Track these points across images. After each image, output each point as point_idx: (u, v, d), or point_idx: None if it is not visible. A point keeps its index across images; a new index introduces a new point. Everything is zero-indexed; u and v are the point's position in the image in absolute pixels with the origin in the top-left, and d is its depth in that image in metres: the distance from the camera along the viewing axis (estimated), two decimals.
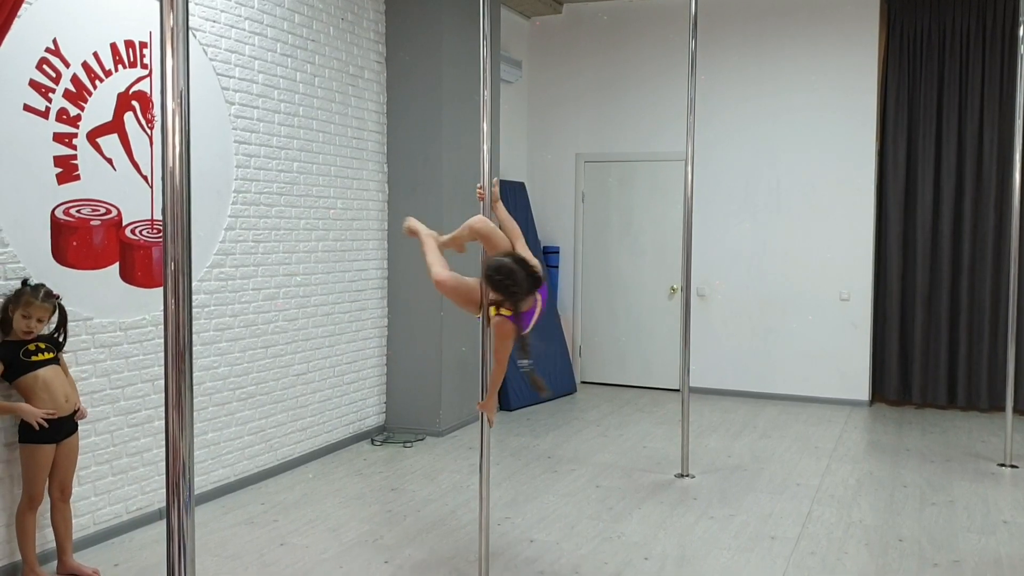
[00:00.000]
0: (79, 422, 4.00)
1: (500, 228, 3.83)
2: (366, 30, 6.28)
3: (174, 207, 1.81)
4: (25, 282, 3.81)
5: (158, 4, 1.78)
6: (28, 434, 3.76)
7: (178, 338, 1.83)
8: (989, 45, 7.33)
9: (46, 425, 3.75)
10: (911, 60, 7.56)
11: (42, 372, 3.78)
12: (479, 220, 3.77)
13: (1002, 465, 5.85)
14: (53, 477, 3.86)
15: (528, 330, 3.70)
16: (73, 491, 4.12)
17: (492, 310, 3.65)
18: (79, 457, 4.16)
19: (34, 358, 3.77)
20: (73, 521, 4.07)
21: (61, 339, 3.94)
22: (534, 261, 3.67)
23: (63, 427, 3.84)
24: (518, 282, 3.52)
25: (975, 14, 7.34)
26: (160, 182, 4.53)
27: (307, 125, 5.69)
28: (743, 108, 7.99)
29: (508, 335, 3.61)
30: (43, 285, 3.85)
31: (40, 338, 3.83)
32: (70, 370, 4.03)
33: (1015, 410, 5.99)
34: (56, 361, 3.88)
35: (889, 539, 4.51)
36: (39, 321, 3.78)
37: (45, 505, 3.91)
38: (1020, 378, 7.08)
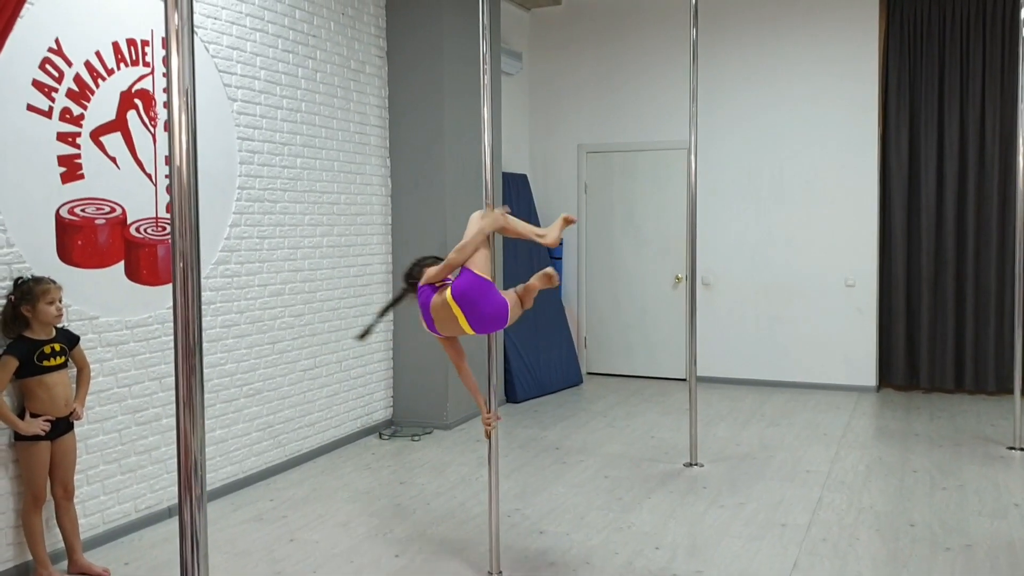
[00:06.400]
0: (78, 423, 4.01)
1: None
2: (367, 25, 6.26)
3: (182, 205, 1.80)
4: (21, 279, 3.80)
5: (162, 3, 1.77)
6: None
7: (188, 335, 1.83)
8: (989, 29, 7.29)
9: (47, 428, 3.77)
10: (912, 45, 7.53)
11: (48, 377, 3.81)
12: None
13: (1011, 448, 5.84)
14: (54, 476, 3.87)
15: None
16: (82, 490, 4.14)
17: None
18: (87, 456, 4.19)
19: (46, 363, 3.79)
20: (82, 520, 4.10)
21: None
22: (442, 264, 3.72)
23: (58, 425, 3.86)
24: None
25: None
26: (165, 180, 4.55)
27: (310, 121, 5.68)
28: (745, 96, 7.97)
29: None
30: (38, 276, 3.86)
31: (58, 338, 3.85)
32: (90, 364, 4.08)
33: (1023, 393, 5.97)
34: (65, 365, 3.89)
35: (900, 524, 4.51)
36: (61, 301, 3.83)
37: (52, 505, 3.92)
38: None
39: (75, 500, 4.00)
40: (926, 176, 7.53)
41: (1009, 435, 6.03)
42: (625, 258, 8.53)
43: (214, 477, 4.98)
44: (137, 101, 4.43)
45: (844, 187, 7.71)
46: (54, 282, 3.84)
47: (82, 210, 4.16)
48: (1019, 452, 5.78)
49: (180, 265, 1.81)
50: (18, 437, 3.80)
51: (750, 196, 8.01)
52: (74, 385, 4.00)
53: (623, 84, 8.41)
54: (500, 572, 3.91)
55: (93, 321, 4.23)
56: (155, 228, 4.53)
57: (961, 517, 4.60)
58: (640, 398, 7.63)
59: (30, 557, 3.85)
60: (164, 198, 4.55)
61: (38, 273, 3.89)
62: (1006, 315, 7.29)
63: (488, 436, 3.87)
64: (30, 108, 3.91)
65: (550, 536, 4.40)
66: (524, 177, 8.21)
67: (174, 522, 4.48)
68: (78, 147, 4.13)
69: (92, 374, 4.13)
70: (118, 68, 4.33)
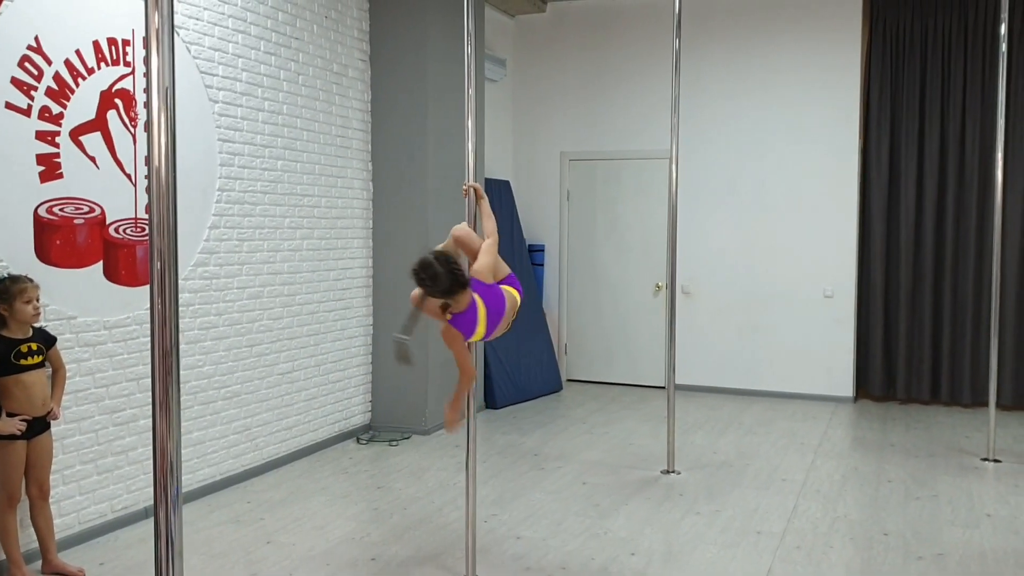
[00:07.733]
0: (55, 423, 3.97)
1: (477, 228, 3.81)
2: (350, 28, 6.26)
3: (160, 205, 1.80)
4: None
5: (143, 3, 1.77)
6: None
7: (164, 336, 1.83)
8: (971, 43, 7.38)
9: (23, 428, 3.74)
10: (894, 58, 7.61)
11: (25, 376, 3.78)
12: (459, 227, 3.75)
13: (985, 459, 5.90)
14: (30, 476, 3.84)
15: (491, 336, 3.57)
16: (58, 490, 4.11)
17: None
18: (63, 456, 4.16)
19: (23, 361, 3.76)
20: (58, 520, 4.06)
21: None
22: (479, 265, 3.52)
23: (34, 425, 3.83)
24: (436, 277, 3.29)
25: (957, 12, 7.40)
26: (145, 181, 4.52)
27: (291, 123, 5.67)
28: (727, 106, 8.02)
29: (453, 341, 3.45)
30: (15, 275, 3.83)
31: (35, 337, 3.83)
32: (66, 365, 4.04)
33: (997, 405, 6.04)
34: (43, 364, 3.86)
35: (874, 533, 4.55)
36: (38, 300, 3.81)
37: (27, 505, 3.89)
38: (1002, 373, 7.15)
39: (51, 500, 3.97)
40: (906, 188, 7.60)
41: (983, 447, 6.09)
42: (606, 266, 8.56)
43: (191, 479, 4.95)
44: (117, 101, 4.41)
45: (824, 198, 7.77)
46: (31, 281, 3.81)
47: (61, 209, 4.14)
48: (992, 463, 5.84)
49: (158, 265, 1.80)
50: None
51: (731, 206, 8.06)
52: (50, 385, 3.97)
53: (607, 92, 8.45)
54: None
55: (71, 321, 4.20)
56: (134, 229, 4.51)
57: (934, 527, 4.65)
58: (619, 405, 7.65)
59: (3, 557, 3.82)
60: (144, 199, 4.53)
61: (15, 272, 3.86)
62: (982, 328, 7.36)
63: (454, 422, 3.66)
64: (8, 106, 3.88)
65: (526, 541, 4.40)
66: (507, 183, 8.23)
67: (150, 523, 4.44)
68: (57, 146, 4.11)
69: (69, 374, 4.10)
70: (98, 67, 4.31)
